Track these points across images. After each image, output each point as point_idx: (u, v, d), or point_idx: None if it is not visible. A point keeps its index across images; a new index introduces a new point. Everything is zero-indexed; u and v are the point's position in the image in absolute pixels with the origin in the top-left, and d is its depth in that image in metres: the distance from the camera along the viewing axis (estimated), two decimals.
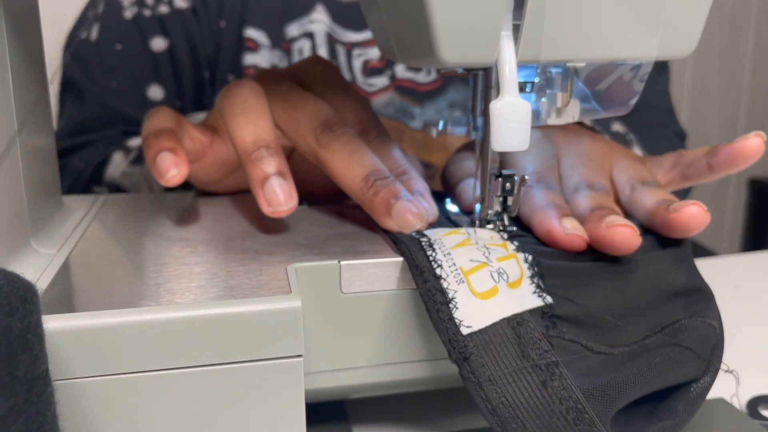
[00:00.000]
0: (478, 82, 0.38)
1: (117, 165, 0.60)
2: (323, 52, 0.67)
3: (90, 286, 0.32)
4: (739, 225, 1.84)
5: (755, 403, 0.41)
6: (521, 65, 0.37)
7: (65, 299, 0.30)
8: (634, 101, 0.38)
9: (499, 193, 0.38)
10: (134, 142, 0.62)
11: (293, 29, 0.67)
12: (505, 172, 0.38)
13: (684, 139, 0.82)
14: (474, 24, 0.31)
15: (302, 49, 0.67)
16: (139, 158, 0.60)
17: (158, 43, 0.67)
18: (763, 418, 0.40)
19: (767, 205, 1.77)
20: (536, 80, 0.37)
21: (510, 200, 0.39)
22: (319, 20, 0.67)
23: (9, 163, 0.34)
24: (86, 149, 0.66)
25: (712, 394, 0.41)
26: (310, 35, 0.66)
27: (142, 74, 0.68)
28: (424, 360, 0.37)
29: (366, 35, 0.68)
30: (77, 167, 0.64)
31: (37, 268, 0.34)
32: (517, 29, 0.32)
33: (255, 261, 0.35)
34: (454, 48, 0.32)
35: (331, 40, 0.67)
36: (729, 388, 0.42)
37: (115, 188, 0.60)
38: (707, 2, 0.34)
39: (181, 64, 0.68)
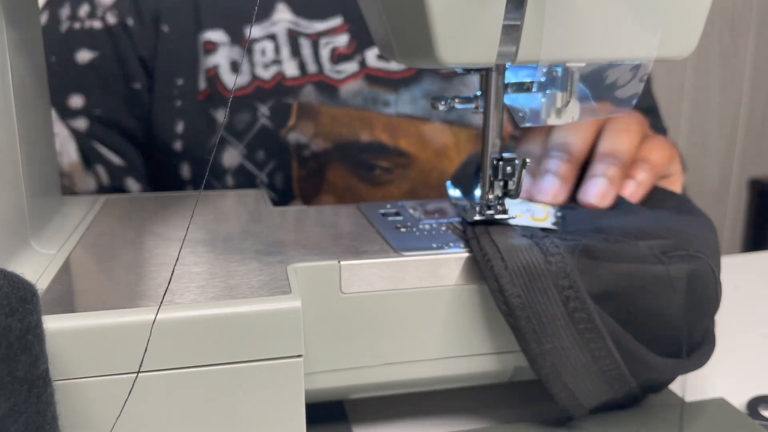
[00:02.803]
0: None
1: None
2: (286, 51, 0.67)
3: (90, 286, 0.32)
4: (740, 225, 1.84)
5: (755, 403, 0.41)
6: (524, 65, 0.37)
7: (65, 299, 0.30)
8: (634, 102, 0.38)
9: (500, 177, 0.38)
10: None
11: (254, 31, 0.67)
12: (506, 155, 0.38)
13: (665, 133, 0.83)
14: (473, 25, 0.31)
15: (264, 49, 0.67)
16: None
17: (83, 55, 0.68)
18: (763, 418, 0.40)
19: (767, 205, 1.77)
20: (543, 80, 0.37)
21: (511, 184, 0.39)
22: (280, 20, 0.68)
23: (9, 163, 0.34)
24: None
25: (713, 394, 0.41)
26: (272, 36, 0.67)
27: (64, 84, 0.69)
28: (423, 360, 0.37)
29: (332, 23, 0.68)
30: None
31: (37, 268, 0.34)
32: (516, 30, 0.32)
33: (255, 261, 0.35)
34: (454, 48, 0.32)
35: (293, 36, 0.67)
36: (729, 388, 0.42)
37: None
38: (707, 2, 0.34)
39: (108, 74, 0.68)
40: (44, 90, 0.41)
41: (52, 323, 0.28)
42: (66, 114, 0.68)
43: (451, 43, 0.31)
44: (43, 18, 0.71)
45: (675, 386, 0.42)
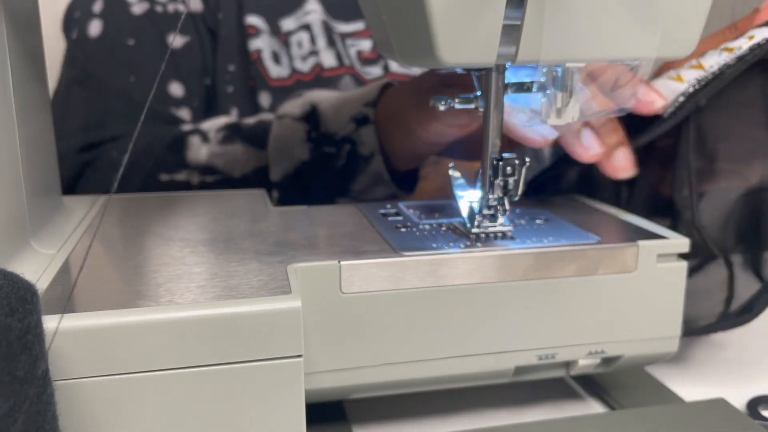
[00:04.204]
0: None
1: (198, 148, 0.60)
2: (322, 41, 0.67)
3: (90, 286, 0.32)
4: None
5: (755, 403, 0.41)
6: (524, 65, 0.37)
7: (65, 299, 0.30)
8: (633, 101, 0.38)
9: (500, 177, 0.38)
10: (206, 125, 0.62)
11: (289, 23, 0.67)
12: (506, 155, 0.38)
13: None
14: (473, 25, 0.31)
15: (301, 41, 0.67)
16: (228, 138, 0.59)
17: (176, 40, 0.68)
18: (763, 418, 0.40)
19: None
20: (543, 80, 0.37)
21: (511, 183, 0.39)
22: (313, 10, 0.68)
23: (9, 163, 0.34)
24: (120, 141, 0.64)
25: (713, 394, 0.41)
26: (307, 27, 0.67)
27: (157, 69, 0.67)
28: (423, 360, 0.37)
29: (356, 26, 0.69)
30: (123, 160, 0.63)
31: (37, 268, 0.34)
32: (516, 30, 0.32)
33: (255, 261, 0.35)
34: (454, 48, 0.32)
35: (328, 28, 0.67)
36: (729, 388, 0.42)
37: (205, 169, 0.59)
38: (707, 2, 0.34)
39: (197, 62, 0.68)
40: (44, 88, 0.41)
41: (52, 323, 0.28)
42: (168, 103, 0.66)
43: (451, 43, 0.31)
44: (98, 5, 0.69)
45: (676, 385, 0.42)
